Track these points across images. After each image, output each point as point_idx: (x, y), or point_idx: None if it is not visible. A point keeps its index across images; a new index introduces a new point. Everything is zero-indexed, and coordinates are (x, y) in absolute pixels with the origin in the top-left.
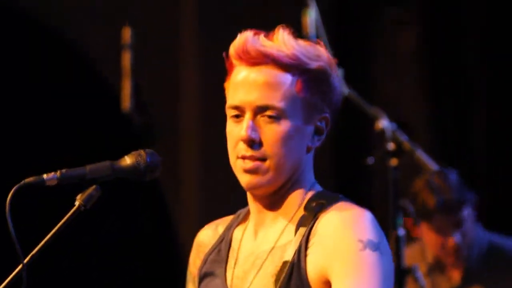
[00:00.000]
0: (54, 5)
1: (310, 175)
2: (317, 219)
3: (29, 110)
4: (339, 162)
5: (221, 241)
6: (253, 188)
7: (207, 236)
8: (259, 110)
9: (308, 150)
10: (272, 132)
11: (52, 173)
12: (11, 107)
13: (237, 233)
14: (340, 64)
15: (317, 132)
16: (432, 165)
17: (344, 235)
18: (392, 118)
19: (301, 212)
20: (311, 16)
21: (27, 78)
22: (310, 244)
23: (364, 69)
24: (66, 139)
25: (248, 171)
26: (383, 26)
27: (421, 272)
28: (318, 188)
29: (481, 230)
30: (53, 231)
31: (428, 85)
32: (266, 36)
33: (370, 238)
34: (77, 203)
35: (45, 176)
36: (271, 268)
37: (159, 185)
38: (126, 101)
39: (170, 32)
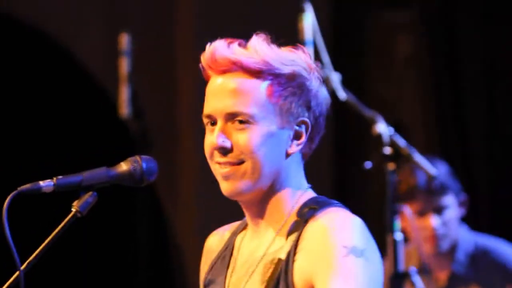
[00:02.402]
0: (50, 12)
1: (298, 181)
2: (306, 224)
3: (25, 116)
4: (336, 166)
5: (226, 248)
6: (233, 194)
7: (214, 242)
8: (229, 117)
9: (287, 155)
10: (243, 139)
11: (48, 180)
12: (7, 112)
13: (238, 240)
14: (337, 68)
15: (296, 136)
16: (430, 169)
17: (329, 241)
18: (389, 122)
19: (293, 218)
20: (307, 21)
21: (23, 84)
22: (298, 249)
23: (361, 73)
24: (62, 145)
25: (226, 177)
26: (380, 30)
27: (418, 276)
28: (312, 193)
29: (467, 232)
30: (50, 237)
31: (425, 89)
32: (239, 44)
33: (355, 244)
34: (73, 210)
35: (41, 183)
36: (261, 275)
37: (156, 191)
38: (123, 107)
39: (167, 38)
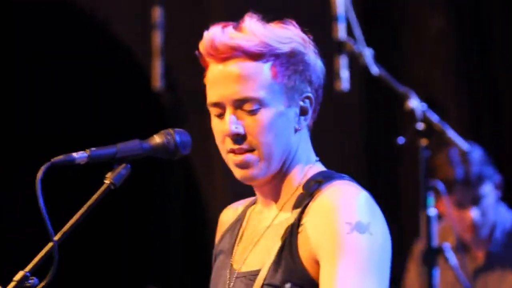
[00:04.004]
0: None
1: (307, 155)
2: (312, 197)
3: (58, 88)
4: (369, 142)
5: (237, 220)
6: (248, 181)
7: (227, 216)
8: (238, 103)
9: (296, 130)
10: (255, 123)
11: (82, 151)
12: (41, 84)
13: (248, 212)
14: (369, 44)
15: (302, 112)
16: (462, 144)
17: (332, 218)
18: (422, 98)
19: (299, 191)
20: None
21: (56, 57)
22: (303, 222)
23: (394, 49)
24: (96, 117)
25: (240, 166)
26: (412, 5)
27: (452, 252)
28: (320, 167)
29: (505, 211)
30: (83, 209)
31: (457, 64)
32: (235, 27)
33: (359, 220)
34: (107, 182)
35: (74, 154)
36: (265, 244)
37: (190, 165)
38: (156, 80)
39: (199, 10)
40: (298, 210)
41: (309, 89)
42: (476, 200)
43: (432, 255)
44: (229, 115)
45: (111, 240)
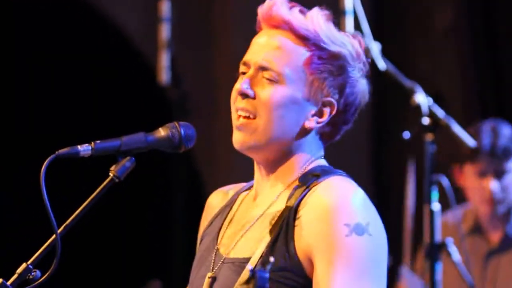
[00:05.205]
0: None
1: (312, 154)
2: (309, 190)
3: (65, 81)
4: (375, 136)
5: (227, 205)
6: (241, 147)
7: (216, 199)
8: (261, 69)
9: (304, 127)
10: (267, 93)
11: (86, 144)
12: (48, 78)
13: (241, 197)
14: (376, 38)
15: (319, 114)
16: (468, 140)
17: (329, 219)
18: (428, 93)
19: (295, 183)
20: None
21: (62, 52)
22: (299, 215)
23: (401, 44)
24: (101, 111)
25: (239, 128)
26: (420, 1)
27: (455, 247)
28: (321, 161)
29: None
30: (86, 202)
31: (464, 59)
32: (301, 11)
33: (357, 221)
34: (111, 175)
35: (79, 147)
36: (257, 232)
37: (194, 158)
38: (162, 73)
39: (206, 4)
40: (293, 202)
41: (336, 96)
42: (498, 173)
43: (435, 250)
44: (247, 76)
45: (114, 235)
